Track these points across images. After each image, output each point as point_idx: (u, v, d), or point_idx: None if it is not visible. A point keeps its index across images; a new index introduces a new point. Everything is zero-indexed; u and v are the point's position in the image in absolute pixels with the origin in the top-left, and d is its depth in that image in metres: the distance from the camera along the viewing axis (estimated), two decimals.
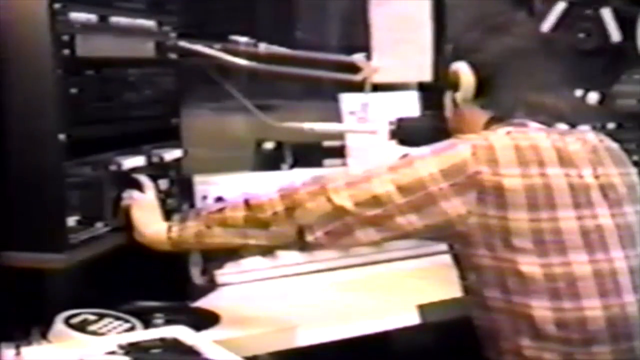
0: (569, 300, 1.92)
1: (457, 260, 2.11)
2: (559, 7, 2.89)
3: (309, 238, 2.01)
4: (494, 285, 1.96)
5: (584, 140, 2.07)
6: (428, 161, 1.97)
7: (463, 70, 2.11)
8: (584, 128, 2.11)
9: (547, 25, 2.88)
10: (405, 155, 2.04)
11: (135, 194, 2.12)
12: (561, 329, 1.92)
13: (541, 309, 1.92)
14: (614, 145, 2.13)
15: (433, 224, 1.96)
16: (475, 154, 1.94)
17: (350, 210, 1.97)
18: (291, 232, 2.02)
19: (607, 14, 2.87)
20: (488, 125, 2.09)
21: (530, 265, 1.92)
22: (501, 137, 1.99)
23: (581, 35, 2.91)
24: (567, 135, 2.06)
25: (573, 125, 2.13)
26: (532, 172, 1.94)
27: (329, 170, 2.86)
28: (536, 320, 1.92)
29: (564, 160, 1.99)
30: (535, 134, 2.02)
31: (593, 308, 1.93)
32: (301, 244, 2.04)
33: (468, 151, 1.95)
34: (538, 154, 1.97)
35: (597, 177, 2.02)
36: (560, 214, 1.94)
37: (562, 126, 2.09)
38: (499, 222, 1.92)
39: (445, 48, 2.26)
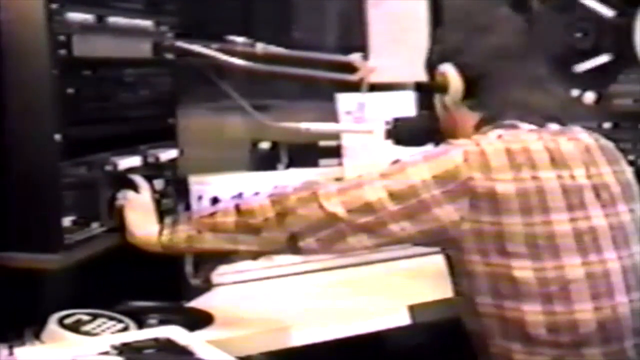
0: (560, 304, 1.93)
1: (450, 262, 2.11)
2: None
3: (301, 244, 2.01)
4: (486, 291, 1.96)
5: (577, 139, 2.06)
6: (420, 167, 1.96)
7: (450, 73, 2.12)
8: (577, 128, 2.10)
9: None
10: (396, 161, 2.03)
11: (129, 194, 2.12)
12: (552, 333, 1.93)
13: (533, 314, 1.92)
14: (608, 143, 2.12)
15: (426, 230, 1.96)
16: (467, 160, 1.94)
17: (342, 217, 1.97)
18: (282, 238, 2.02)
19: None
20: (479, 126, 2.08)
21: (523, 269, 1.92)
22: (492, 142, 1.98)
23: (578, 34, 2.91)
24: (559, 135, 2.05)
25: (564, 124, 2.11)
26: (524, 175, 1.94)
27: (325, 171, 2.87)
28: (527, 324, 1.93)
29: (556, 161, 1.98)
30: (526, 136, 2.01)
31: (584, 311, 1.93)
32: (293, 249, 2.04)
33: (460, 157, 1.95)
34: (529, 157, 1.96)
35: (590, 177, 2.01)
36: (553, 217, 1.94)
37: (554, 126, 2.08)
38: (492, 228, 1.92)
39: (431, 49, 2.24)
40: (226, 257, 2.16)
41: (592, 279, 1.94)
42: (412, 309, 2.36)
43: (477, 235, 1.93)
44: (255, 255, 2.24)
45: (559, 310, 1.92)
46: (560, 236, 1.93)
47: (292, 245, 2.02)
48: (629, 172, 2.11)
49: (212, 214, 2.07)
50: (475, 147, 1.96)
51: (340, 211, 1.97)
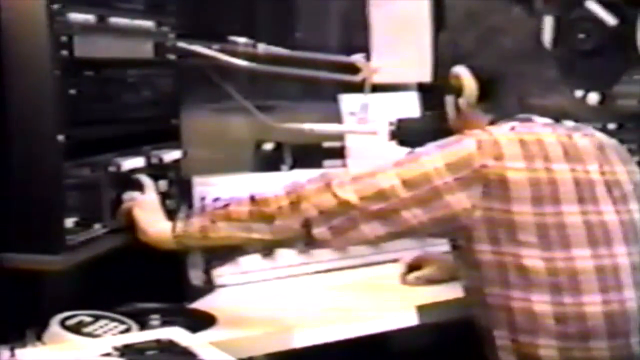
0: (569, 295, 1.94)
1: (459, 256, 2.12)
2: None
3: (315, 231, 2.01)
4: (495, 281, 1.97)
5: (591, 136, 2.09)
6: (433, 156, 1.99)
7: (464, 75, 2.13)
8: (590, 128, 2.12)
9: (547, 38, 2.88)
10: (411, 152, 2.06)
11: (136, 194, 2.12)
12: (560, 324, 1.94)
13: (541, 304, 1.94)
14: (619, 145, 2.15)
15: (438, 217, 1.97)
16: (481, 148, 1.96)
17: (355, 204, 1.98)
18: (296, 225, 2.02)
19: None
20: (491, 125, 2.09)
21: (533, 259, 1.93)
22: (506, 133, 2.00)
23: (581, 35, 2.90)
24: (574, 131, 2.08)
25: (578, 121, 2.13)
26: (537, 166, 1.96)
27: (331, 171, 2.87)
28: (535, 314, 1.94)
29: (570, 155, 2.01)
30: (540, 129, 2.03)
31: (593, 304, 1.95)
32: (307, 238, 2.04)
33: (473, 145, 1.97)
34: (543, 148, 1.99)
35: (603, 173, 2.03)
36: (564, 208, 1.96)
37: (569, 123, 2.10)
38: (503, 215, 1.94)
39: (443, 50, 2.25)
40: (238, 249, 2.16)
41: (602, 272, 1.96)
42: (421, 309, 2.35)
43: (488, 223, 1.95)
44: (268, 246, 2.24)
45: (568, 301, 1.94)
46: (571, 227, 1.96)
47: (306, 233, 2.02)
48: (638, 173, 2.13)
49: (226, 205, 2.07)
50: (488, 137, 1.99)
51: (353, 198, 1.99)
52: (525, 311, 1.95)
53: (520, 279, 1.94)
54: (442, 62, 2.24)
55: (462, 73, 2.14)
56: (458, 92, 2.15)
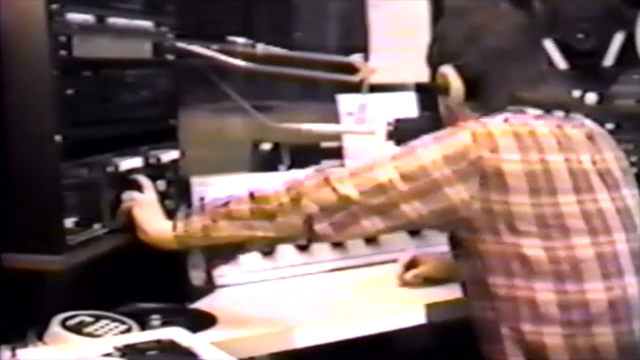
0: (572, 282, 1.96)
1: (455, 248, 2.14)
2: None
3: (317, 227, 2.02)
4: (498, 270, 1.98)
5: (581, 126, 2.11)
6: (430, 148, 2.00)
7: (450, 74, 2.14)
8: (579, 116, 2.13)
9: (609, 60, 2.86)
10: (406, 145, 2.06)
11: (135, 194, 2.12)
12: (563, 311, 1.95)
13: (545, 292, 1.95)
14: (605, 132, 2.18)
15: (437, 209, 1.98)
16: (475, 140, 1.97)
17: (355, 199, 1.99)
18: (298, 222, 2.02)
19: None
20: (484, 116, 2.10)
21: (534, 248, 1.95)
22: (499, 124, 2.02)
23: (580, 35, 2.90)
24: (565, 121, 2.09)
25: (568, 110, 2.14)
26: (532, 158, 1.98)
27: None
28: (539, 303, 1.95)
29: (563, 146, 2.03)
30: (532, 121, 2.05)
31: (595, 290, 1.96)
32: (309, 234, 2.05)
33: (468, 137, 1.98)
34: (536, 140, 2.00)
35: (594, 162, 2.05)
36: (561, 198, 1.97)
37: (559, 113, 2.11)
38: (502, 207, 1.95)
39: (432, 50, 2.25)
40: (241, 247, 2.15)
41: (602, 259, 1.98)
42: (428, 308, 2.35)
43: (487, 214, 1.96)
44: (271, 243, 2.25)
45: (571, 289, 1.96)
46: (569, 216, 1.97)
47: (309, 229, 2.02)
48: (624, 159, 2.16)
49: (226, 204, 2.07)
50: (482, 129, 2.00)
51: (352, 193, 1.99)
52: (529, 300, 1.96)
53: (522, 268, 1.96)
54: (430, 62, 2.24)
55: (448, 72, 2.15)
56: (445, 91, 2.16)
